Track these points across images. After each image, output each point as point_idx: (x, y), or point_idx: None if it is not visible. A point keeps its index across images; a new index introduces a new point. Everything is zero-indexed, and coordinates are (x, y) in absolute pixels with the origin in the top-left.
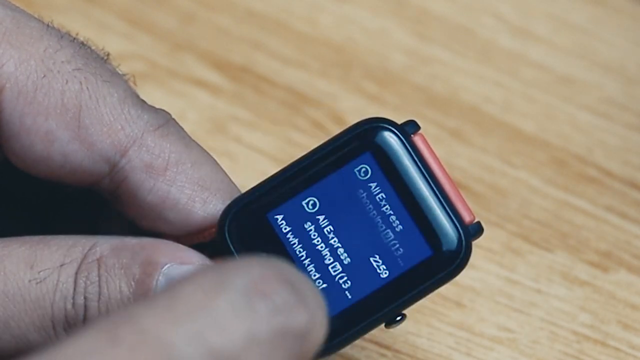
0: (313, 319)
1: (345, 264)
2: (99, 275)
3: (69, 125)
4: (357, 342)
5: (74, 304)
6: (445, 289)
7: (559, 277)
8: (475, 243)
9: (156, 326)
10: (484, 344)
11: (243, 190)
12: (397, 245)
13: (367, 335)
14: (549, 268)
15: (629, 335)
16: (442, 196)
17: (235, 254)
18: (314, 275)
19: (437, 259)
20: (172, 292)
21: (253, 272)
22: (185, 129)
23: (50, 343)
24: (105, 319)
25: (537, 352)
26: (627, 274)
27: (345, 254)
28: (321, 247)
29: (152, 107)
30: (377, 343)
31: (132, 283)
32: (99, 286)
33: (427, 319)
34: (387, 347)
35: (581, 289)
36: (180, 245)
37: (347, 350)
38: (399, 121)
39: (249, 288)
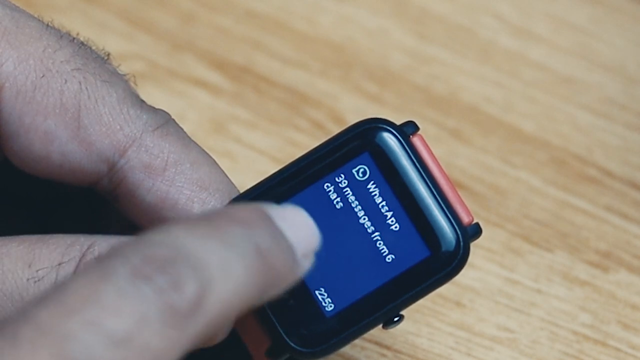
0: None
1: (344, 264)
2: None
3: (68, 125)
4: (357, 342)
5: None
6: (445, 289)
7: (559, 277)
8: (475, 243)
9: (52, 320)
10: (484, 344)
11: (242, 190)
12: (395, 246)
13: (367, 335)
14: (549, 268)
15: (629, 335)
16: (440, 197)
17: None
18: (313, 275)
19: (435, 259)
20: (61, 287)
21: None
22: (185, 129)
23: None
24: (4, 322)
25: (537, 352)
26: (627, 274)
27: (344, 254)
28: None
29: (151, 107)
30: (377, 343)
31: None
32: None
33: (427, 319)
34: (387, 347)
35: (581, 289)
36: None
37: (347, 350)
38: (399, 121)
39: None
